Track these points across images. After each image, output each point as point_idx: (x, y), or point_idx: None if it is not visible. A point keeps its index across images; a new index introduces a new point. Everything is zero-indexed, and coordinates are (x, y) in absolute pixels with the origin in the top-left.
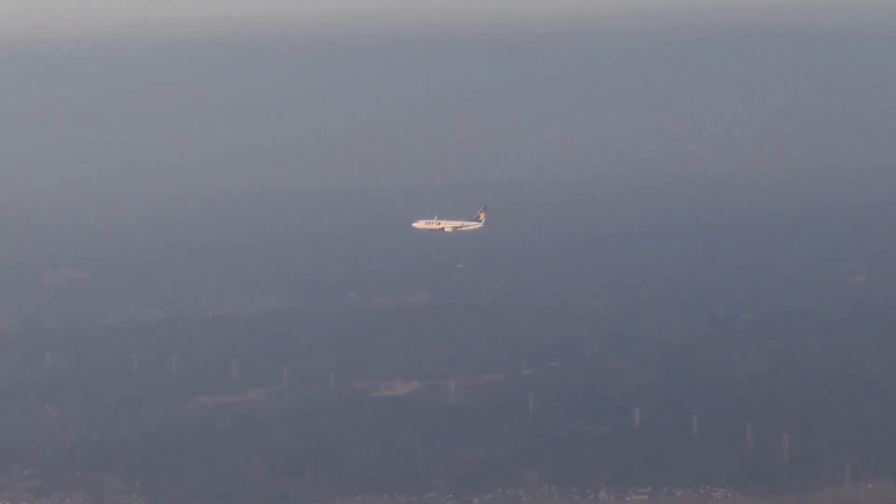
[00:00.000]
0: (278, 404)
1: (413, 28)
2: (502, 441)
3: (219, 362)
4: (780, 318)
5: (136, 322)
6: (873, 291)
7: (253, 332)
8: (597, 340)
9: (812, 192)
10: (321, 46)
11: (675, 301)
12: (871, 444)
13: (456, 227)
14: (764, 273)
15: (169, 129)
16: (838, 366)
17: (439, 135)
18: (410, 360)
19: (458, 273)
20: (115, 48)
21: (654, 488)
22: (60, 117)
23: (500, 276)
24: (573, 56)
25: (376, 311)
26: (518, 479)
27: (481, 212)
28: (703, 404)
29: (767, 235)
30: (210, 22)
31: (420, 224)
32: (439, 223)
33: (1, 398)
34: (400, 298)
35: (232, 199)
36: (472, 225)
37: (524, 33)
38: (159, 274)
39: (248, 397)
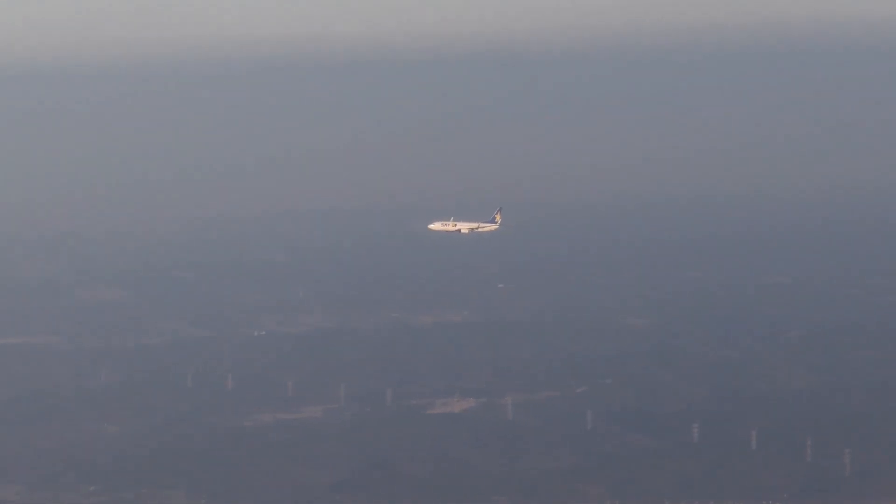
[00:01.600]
0: (336, 421)
1: (430, 45)
2: (562, 456)
3: (272, 380)
4: (823, 334)
5: (182, 340)
6: None
7: (302, 350)
8: (643, 357)
9: (842, 208)
10: (341, 65)
11: (714, 318)
12: None
13: (472, 229)
14: (799, 290)
15: (198, 148)
16: (888, 380)
17: (465, 150)
18: (463, 378)
19: (495, 291)
20: (151, 69)
21: (715, 502)
22: (95, 137)
23: (536, 294)
24: (589, 72)
25: (421, 329)
26: (579, 492)
27: (497, 213)
28: (758, 419)
29: (798, 252)
30: (235, 43)
31: (436, 226)
32: (455, 224)
33: (58, 415)
34: (443, 316)
35: (261, 216)
36: (489, 226)
37: (540, 50)
38: (196, 292)
39: (305, 414)
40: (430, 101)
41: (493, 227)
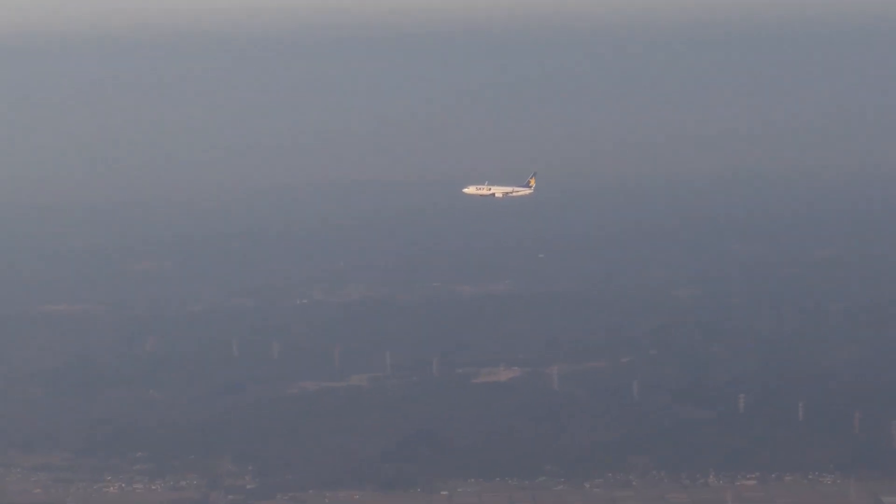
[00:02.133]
0: (383, 390)
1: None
2: (609, 427)
3: (317, 348)
4: (869, 309)
5: (226, 309)
6: None
7: (346, 319)
8: (689, 330)
9: (883, 185)
10: (375, 37)
11: (761, 292)
12: None
13: (506, 193)
14: (847, 266)
15: (240, 120)
16: None
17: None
18: (507, 347)
19: (538, 261)
20: (176, 39)
21: (762, 474)
22: (136, 108)
23: (577, 265)
24: (625, 48)
25: (464, 299)
26: (627, 464)
27: (531, 178)
28: (806, 392)
29: (841, 228)
30: (248, 13)
31: (471, 189)
32: (490, 189)
33: (105, 382)
34: (484, 286)
35: (301, 187)
36: (523, 191)
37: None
38: (239, 262)
39: (351, 383)
40: (462, 76)
41: (527, 191)
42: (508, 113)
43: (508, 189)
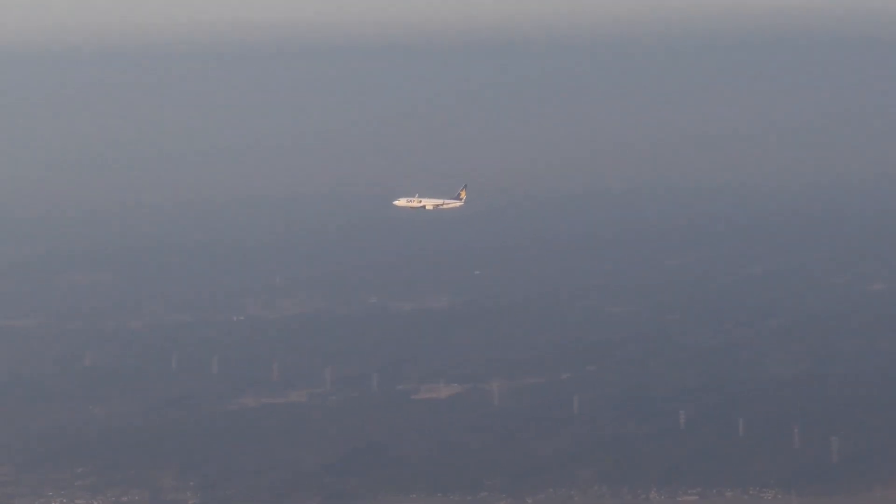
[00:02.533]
0: (323, 406)
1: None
2: (550, 442)
3: (256, 364)
4: (805, 323)
5: (164, 324)
6: (893, 298)
7: (284, 334)
8: (627, 344)
9: (821, 200)
10: (318, 50)
11: (696, 306)
12: None
13: (437, 206)
14: (781, 280)
15: (177, 133)
16: (870, 368)
17: (447, 136)
18: (447, 363)
19: (472, 277)
20: (137, 50)
21: (704, 489)
22: (77, 119)
23: (513, 281)
24: (570, 61)
25: (401, 315)
26: (570, 478)
27: (462, 190)
28: (745, 406)
29: (778, 243)
30: (233, 26)
31: (401, 202)
32: (420, 201)
33: (44, 397)
34: (422, 302)
35: (236, 201)
36: (454, 203)
37: (532, 36)
38: (177, 276)
39: (290, 398)
40: (407, 89)
41: (458, 203)
42: (441, 127)
43: (439, 201)
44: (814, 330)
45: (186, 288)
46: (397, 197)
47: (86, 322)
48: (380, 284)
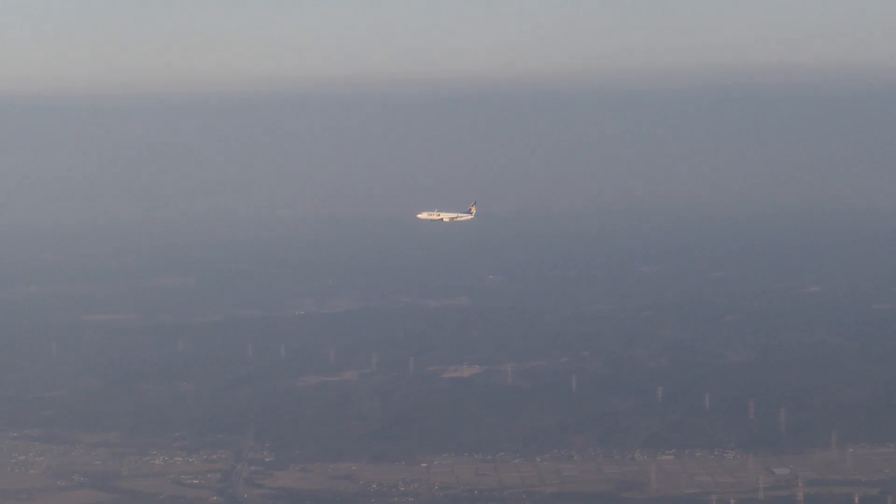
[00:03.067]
0: (369, 383)
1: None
2: (553, 413)
3: (315, 350)
4: (757, 318)
5: (241, 318)
6: (825, 298)
7: (337, 326)
8: (612, 336)
9: (771, 224)
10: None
11: (668, 306)
12: (850, 417)
13: (452, 218)
14: (735, 285)
15: (251, 170)
16: (809, 354)
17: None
18: (468, 349)
19: (487, 282)
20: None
21: (678, 450)
22: (158, 165)
23: (520, 285)
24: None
25: (429, 311)
26: (569, 442)
27: (472, 206)
28: (709, 385)
29: (733, 254)
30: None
31: (423, 215)
32: (439, 214)
33: (145, 377)
34: (447, 301)
35: (290, 223)
36: (465, 216)
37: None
38: (250, 282)
39: (343, 377)
40: (431, 136)
41: (469, 216)
42: (457, 163)
43: (454, 215)
44: (763, 324)
45: (258, 290)
46: (420, 211)
47: (176, 317)
48: (410, 286)
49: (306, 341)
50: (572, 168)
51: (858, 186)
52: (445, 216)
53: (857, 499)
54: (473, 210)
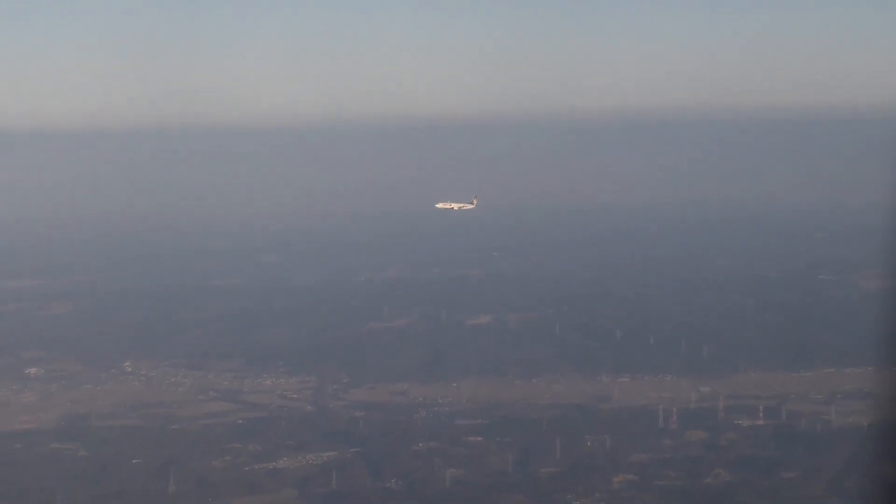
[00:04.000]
0: (414, 329)
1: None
2: (543, 348)
3: (375, 305)
4: (693, 285)
5: (321, 283)
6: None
7: (388, 289)
8: (585, 296)
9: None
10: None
11: (625, 276)
12: (749, 352)
13: (460, 207)
14: (679, 262)
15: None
16: (730, 307)
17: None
18: (482, 305)
19: (493, 257)
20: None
21: (633, 375)
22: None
23: (517, 260)
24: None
25: (453, 278)
26: (557, 368)
27: (474, 198)
28: (655, 329)
29: (676, 238)
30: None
31: (441, 205)
32: (451, 204)
33: (253, 325)
34: (465, 271)
35: (354, 216)
36: (469, 206)
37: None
38: (327, 256)
39: (395, 324)
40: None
41: (472, 206)
42: (466, 171)
43: (461, 205)
44: (698, 289)
45: (332, 262)
46: (437, 202)
47: (273, 282)
48: (437, 261)
49: (368, 299)
50: (552, 174)
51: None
52: (455, 205)
53: (761, 407)
54: (475, 201)
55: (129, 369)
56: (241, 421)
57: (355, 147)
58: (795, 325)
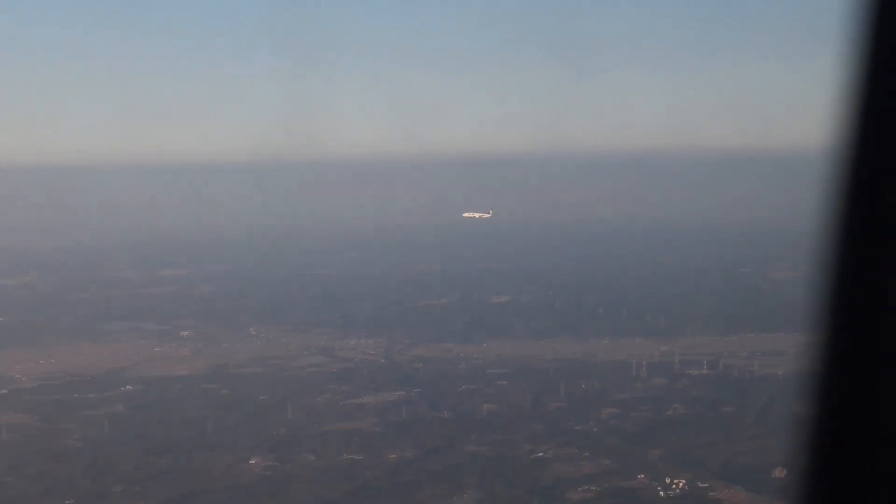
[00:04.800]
0: (454, 305)
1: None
2: (545, 320)
3: (425, 287)
4: (628, 270)
5: (384, 273)
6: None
7: (434, 277)
8: (575, 283)
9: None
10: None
11: (602, 269)
12: (699, 320)
13: (480, 216)
14: (619, 258)
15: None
16: (671, 293)
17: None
18: (501, 288)
19: (509, 255)
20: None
21: (610, 338)
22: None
23: (527, 257)
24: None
25: (481, 270)
26: (555, 333)
27: (490, 210)
28: (626, 306)
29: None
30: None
31: (466, 214)
32: (474, 214)
33: (345, 301)
34: (488, 265)
35: (414, 228)
36: (486, 215)
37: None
38: (393, 253)
39: (440, 302)
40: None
41: (489, 216)
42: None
43: (481, 214)
44: (657, 279)
45: (393, 259)
46: (464, 212)
47: (354, 272)
48: (467, 257)
49: (421, 283)
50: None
51: None
52: (477, 215)
53: (704, 361)
54: (491, 213)
55: (254, 333)
56: (334, 370)
57: (408, 178)
58: (725, 303)
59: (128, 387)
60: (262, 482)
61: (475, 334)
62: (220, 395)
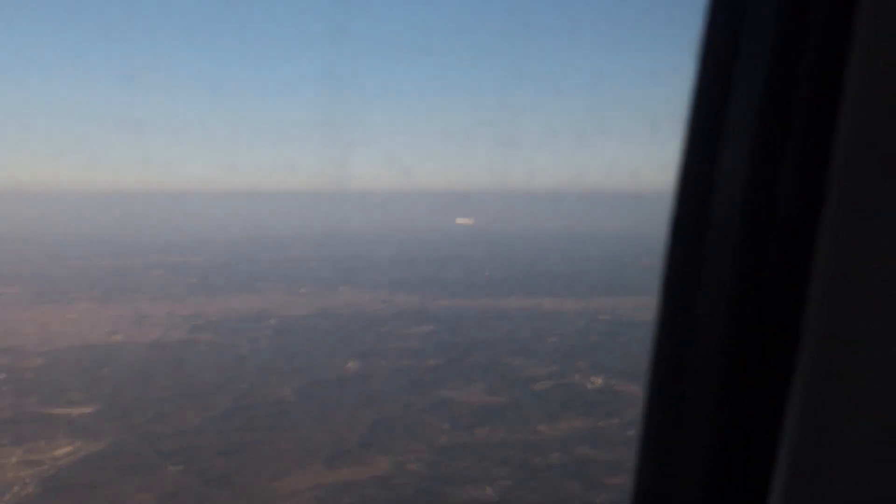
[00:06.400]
0: (470, 274)
1: None
2: (533, 286)
3: (446, 265)
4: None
5: (402, 263)
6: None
7: (450, 260)
8: (547, 268)
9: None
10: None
11: (562, 260)
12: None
13: (465, 223)
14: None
15: None
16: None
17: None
18: (516, 286)
19: (497, 249)
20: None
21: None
22: None
23: (512, 262)
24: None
25: (477, 259)
26: (542, 294)
27: (469, 218)
28: (574, 279)
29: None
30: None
31: (458, 220)
32: (463, 220)
33: (399, 286)
34: (481, 252)
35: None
36: (470, 222)
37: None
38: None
39: (457, 274)
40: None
41: (470, 222)
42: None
43: (465, 221)
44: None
45: (410, 269)
46: (457, 218)
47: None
48: (462, 253)
49: (443, 260)
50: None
51: None
52: (465, 221)
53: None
54: (471, 221)
55: (341, 291)
56: (391, 312)
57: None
58: (618, 276)
59: (272, 320)
60: (357, 377)
61: (487, 294)
62: (325, 328)
